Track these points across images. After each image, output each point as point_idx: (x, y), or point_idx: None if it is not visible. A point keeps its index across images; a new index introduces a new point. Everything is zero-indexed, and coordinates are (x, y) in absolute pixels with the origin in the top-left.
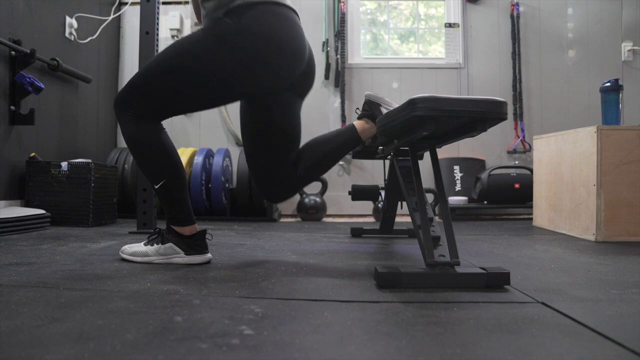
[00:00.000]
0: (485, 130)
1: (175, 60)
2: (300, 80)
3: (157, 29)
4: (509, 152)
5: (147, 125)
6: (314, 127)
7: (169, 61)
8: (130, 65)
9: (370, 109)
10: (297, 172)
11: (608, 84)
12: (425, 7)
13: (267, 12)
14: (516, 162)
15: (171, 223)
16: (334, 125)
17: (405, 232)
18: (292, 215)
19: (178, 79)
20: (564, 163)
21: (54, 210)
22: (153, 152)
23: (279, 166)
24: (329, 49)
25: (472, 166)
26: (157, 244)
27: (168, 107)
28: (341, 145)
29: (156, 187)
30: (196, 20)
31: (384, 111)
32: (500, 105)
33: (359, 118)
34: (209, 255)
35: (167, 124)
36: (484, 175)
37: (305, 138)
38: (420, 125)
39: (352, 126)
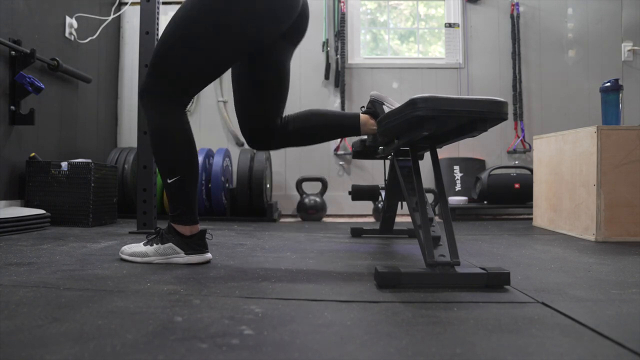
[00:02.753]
0: (485, 130)
1: (183, 26)
2: (295, 24)
3: (157, 29)
4: (509, 152)
5: (173, 116)
6: None
7: (177, 30)
8: (130, 65)
9: (374, 107)
10: (286, 129)
11: (608, 84)
12: (425, 7)
13: None
14: (516, 162)
15: (174, 221)
16: None
17: (405, 232)
18: (292, 215)
19: (191, 43)
20: (564, 163)
21: (54, 210)
22: (175, 146)
23: (266, 116)
24: (329, 49)
25: (472, 166)
26: (157, 243)
27: (190, 78)
28: (338, 126)
29: (169, 181)
30: None
31: (386, 109)
32: (501, 105)
33: (364, 113)
34: (208, 255)
35: None
36: (484, 175)
37: None
38: (420, 125)
39: (357, 115)
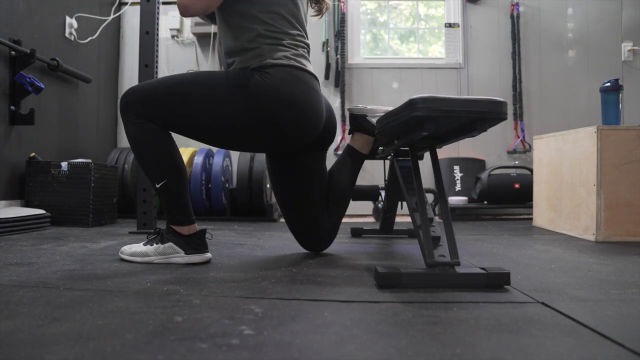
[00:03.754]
0: (485, 130)
1: (190, 88)
2: (321, 136)
3: (157, 29)
4: (509, 152)
5: (150, 126)
6: None
7: (184, 86)
8: (130, 65)
9: (358, 122)
10: (331, 220)
11: (608, 84)
12: (425, 7)
13: (291, 76)
14: (516, 162)
15: (171, 222)
16: None
17: (405, 232)
18: None
19: (187, 107)
20: (564, 163)
21: (54, 210)
22: (155, 153)
23: (314, 216)
24: (329, 49)
25: (472, 166)
26: (157, 243)
27: (173, 127)
28: (353, 173)
29: (157, 186)
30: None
31: (373, 120)
32: (500, 105)
33: (350, 133)
34: (208, 254)
35: None
36: (484, 175)
37: None
38: (420, 126)
39: (350, 148)
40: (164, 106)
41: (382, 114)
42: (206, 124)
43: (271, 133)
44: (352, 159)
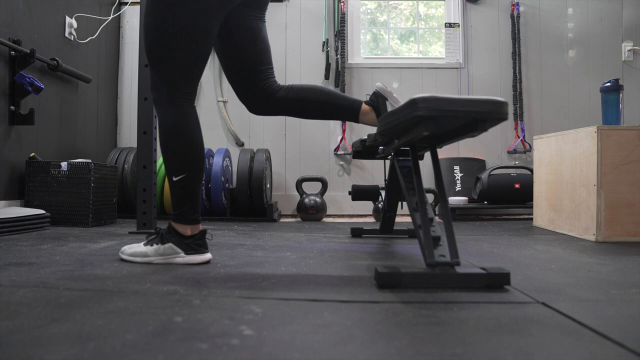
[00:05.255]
0: (485, 130)
1: (156, 17)
2: None
3: None
4: (509, 152)
5: (180, 110)
6: (313, 127)
7: (153, 24)
8: (130, 65)
9: (377, 101)
10: (287, 94)
11: (608, 84)
12: (425, 7)
13: None
14: (516, 162)
15: (176, 220)
16: (334, 125)
17: (405, 232)
18: (292, 216)
19: (167, 29)
20: (564, 163)
21: (54, 210)
22: (182, 143)
23: (254, 77)
24: (329, 49)
25: (472, 166)
26: (157, 244)
27: (183, 64)
28: (338, 106)
29: (174, 179)
30: None
31: (389, 107)
32: (501, 105)
33: (366, 103)
34: (208, 255)
35: None
36: (484, 175)
37: (306, 135)
38: (420, 125)
39: (359, 102)
40: (165, 52)
41: (397, 107)
42: (187, 20)
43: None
44: (350, 104)
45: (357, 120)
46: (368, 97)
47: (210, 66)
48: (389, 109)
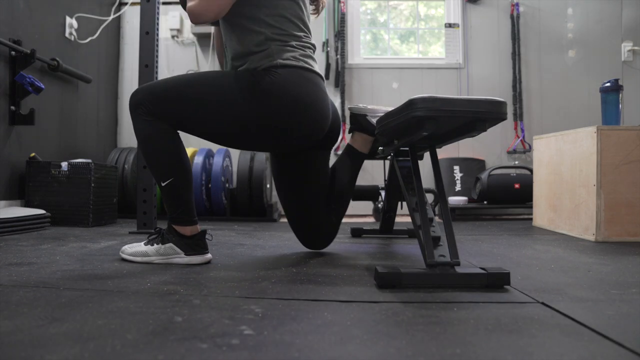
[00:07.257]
0: (484, 130)
1: (201, 89)
2: (326, 135)
3: (157, 29)
4: (509, 152)
5: (160, 124)
6: None
7: (195, 88)
8: (130, 65)
9: (358, 122)
10: (331, 220)
11: (608, 84)
12: (425, 7)
13: (300, 76)
14: (516, 162)
15: (173, 222)
16: None
17: (405, 232)
18: None
19: (197, 108)
20: (564, 163)
21: (54, 210)
22: (163, 151)
23: (315, 214)
24: (329, 49)
25: (472, 166)
26: (157, 244)
27: (183, 127)
28: (353, 173)
29: (163, 184)
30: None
31: (373, 120)
32: (500, 105)
33: (349, 132)
34: (209, 255)
35: None
36: (484, 175)
37: None
38: (419, 126)
39: (350, 148)
40: (175, 106)
41: (382, 114)
42: (217, 125)
43: (280, 132)
44: (352, 159)
45: (367, 155)
46: (349, 129)
47: (209, 61)
48: (373, 121)
